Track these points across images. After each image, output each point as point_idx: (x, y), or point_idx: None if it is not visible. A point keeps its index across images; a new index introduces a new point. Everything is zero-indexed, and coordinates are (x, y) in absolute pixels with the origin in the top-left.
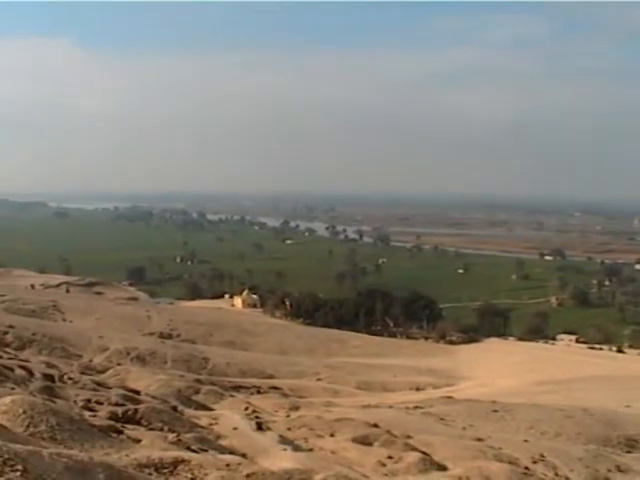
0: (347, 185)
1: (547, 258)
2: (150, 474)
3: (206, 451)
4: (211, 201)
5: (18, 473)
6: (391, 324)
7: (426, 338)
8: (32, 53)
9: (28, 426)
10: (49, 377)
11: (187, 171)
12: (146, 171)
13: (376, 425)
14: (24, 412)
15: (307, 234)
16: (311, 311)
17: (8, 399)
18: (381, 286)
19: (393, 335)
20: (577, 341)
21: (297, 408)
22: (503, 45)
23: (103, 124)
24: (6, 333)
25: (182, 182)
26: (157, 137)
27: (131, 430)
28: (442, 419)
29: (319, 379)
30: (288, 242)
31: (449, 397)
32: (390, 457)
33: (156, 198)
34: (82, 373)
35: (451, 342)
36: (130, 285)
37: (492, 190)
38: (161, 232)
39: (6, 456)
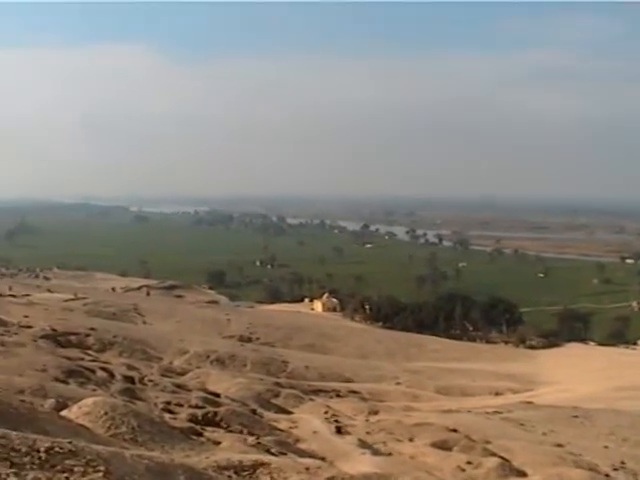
0: (427, 189)
1: (628, 262)
2: (230, 477)
3: (285, 454)
4: (290, 205)
5: (101, 474)
6: (470, 328)
7: (506, 342)
8: (111, 58)
9: (109, 427)
10: (130, 379)
11: (266, 175)
12: (225, 175)
13: (455, 430)
14: (106, 414)
15: (387, 238)
16: (391, 315)
17: (90, 401)
18: (461, 290)
19: (472, 339)
20: None
21: (376, 412)
22: (580, 47)
23: (182, 128)
24: (88, 335)
25: (261, 186)
26: (236, 141)
27: (211, 432)
28: (522, 424)
29: (398, 383)
30: (368, 246)
31: (529, 402)
32: (469, 462)
33: (235, 202)
34: (162, 375)
35: (531, 347)
36: (210, 288)
37: (572, 193)
38: (241, 236)
39: (89, 457)
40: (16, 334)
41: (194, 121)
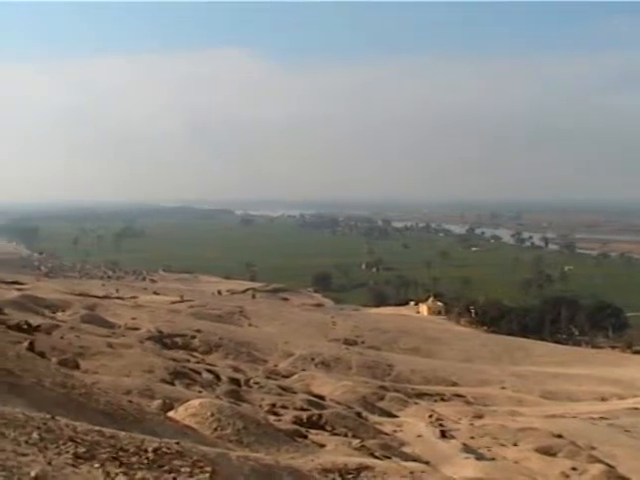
0: (533, 192)
1: None
2: (334, 479)
3: (390, 458)
4: (395, 208)
5: (207, 475)
6: (576, 332)
7: (612, 347)
8: (216, 62)
9: (215, 429)
10: (235, 381)
11: (371, 179)
12: (329, 178)
13: (560, 435)
14: (212, 415)
15: (492, 241)
16: (496, 318)
17: (197, 402)
18: (567, 294)
19: (578, 344)
20: None
21: (481, 416)
22: None
23: (284, 133)
24: (193, 337)
25: (366, 190)
26: (340, 145)
27: (315, 435)
28: (628, 431)
29: (503, 387)
30: (473, 249)
31: (635, 408)
32: (574, 469)
33: (340, 205)
34: (267, 378)
35: (638, 352)
36: (315, 292)
37: None
38: (346, 239)
39: (196, 458)
40: (123, 336)
41: (298, 125)
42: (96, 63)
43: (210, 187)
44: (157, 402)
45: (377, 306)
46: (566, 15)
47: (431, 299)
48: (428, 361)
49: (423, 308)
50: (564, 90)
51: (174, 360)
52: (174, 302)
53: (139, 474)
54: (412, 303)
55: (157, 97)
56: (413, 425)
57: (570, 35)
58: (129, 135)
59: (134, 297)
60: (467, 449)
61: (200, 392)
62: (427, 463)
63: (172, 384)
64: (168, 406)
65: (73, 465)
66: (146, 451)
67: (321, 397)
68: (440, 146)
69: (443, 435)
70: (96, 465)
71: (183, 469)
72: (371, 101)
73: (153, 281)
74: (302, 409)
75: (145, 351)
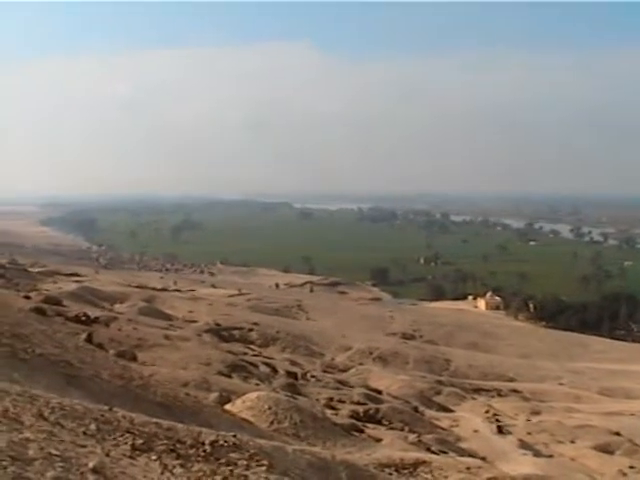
0: (592, 186)
1: None
2: (390, 474)
3: (446, 453)
4: (454, 203)
5: (264, 468)
6: (635, 329)
7: None
8: (272, 56)
9: (272, 422)
10: (292, 375)
11: (428, 173)
12: (389, 173)
13: (618, 433)
14: (269, 408)
15: (551, 236)
16: (554, 314)
17: (254, 395)
18: (626, 290)
19: (637, 340)
20: None
21: (538, 413)
22: None
23: (342, 126)
24: (251, 330)
25: (424, 184)
26: (395, 140)
27: (372, 429)
28: None
29: (561, 384)
30: (532, 244)
31: None
32: (632, 467)
33: (398, 199)
34: (324, 372)
35: None
36: (373, 285)
37: None
38: (404, 233)
39: (252, 451)
40: (181, 328)
41: (353, 119)
42: (154, 57)
43: (270, 181)
44: (214, 395)
45: (435, 300)
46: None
47: (489, 294)
48: (485, 356)
49: (481, 303)
50: (630, 84)
51: (231, 353)
52: (232, 295)
53: (196, 466)
54: (470, 298)
55: (216, 91)
56: (470, 420)
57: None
58: (190, 131)
59: (192, 290)
60: (524, 445)
61: (257, 385)
62: (483, 459)
63: (229, 377)
64: (225, 399)
65: (130, 457)
66: (203, 444)
67: (378, 391)
68: (500, 141)
69: (500, 431)
70: (153, 457)
71: (240, 462)
72: (430, 96)
73: (211, 274)
74: (359, 403)
75: (202, 344)
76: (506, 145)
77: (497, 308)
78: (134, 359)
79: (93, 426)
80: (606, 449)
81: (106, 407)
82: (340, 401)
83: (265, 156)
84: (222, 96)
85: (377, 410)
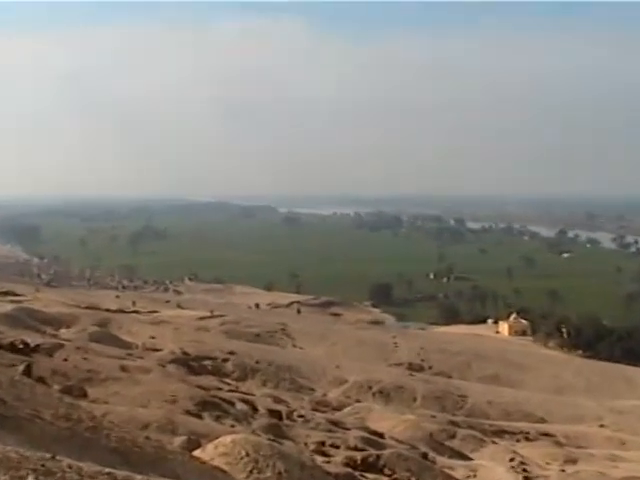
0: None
1: None
2: None
3: None
4: (470, 206)
5: None
6: None
7: None
8: (257, 33)
9: (251, 471)
10: (276, 413)
11: (441, 171)
12: (392, 171)
13: None
14: (247, 455)
15: (589, 246)
16: (593, 341)
17: (229, 439)
18: None
19: None
20: None
21: (574, 461)
22: None
23: (337, 114)
24: (226, 360)
25: (435, 184)
26: (398, 131)
27: None
28: None
29: (602, 425)
30: (565, 256)
31: None
32: None
33: (404, 202)
34: (314, 410)
35: None
36: (373, 306)
37: None
38: (411, 243)
39: None
40: (141, 358)
41: (352, 106)
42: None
43: (250, 180)
44: (181, 439)
45: (448, 324)
46: None
47: (513, 316)
48: (509, 391)
49: (504, 327)
50: None
51: (202, 388)
52: (202, 318)
53: None
54: (490, 321)
55: (186, 69)
56: (491, 470)
57: None
58: (154, 121)
59: (154, 311)
60: None
61: (233, 427)
62: None
63: (199, 417)
64: (194, 443)
65: None
66: None
67: (379, 434)
68: (515, 135)
69: None
70: None
71: None
72: (438, 78)
73: (177, 292)
74: (356, 448)
75: (167, 376)
76: (533, 137)
77: (523, 333)
78: (83, 396)
79: (31, 478)
80: None
81: (48, 455)
82: (333, 446)
83: (243, 149)
84: (191, 75)
85: (378, 457)
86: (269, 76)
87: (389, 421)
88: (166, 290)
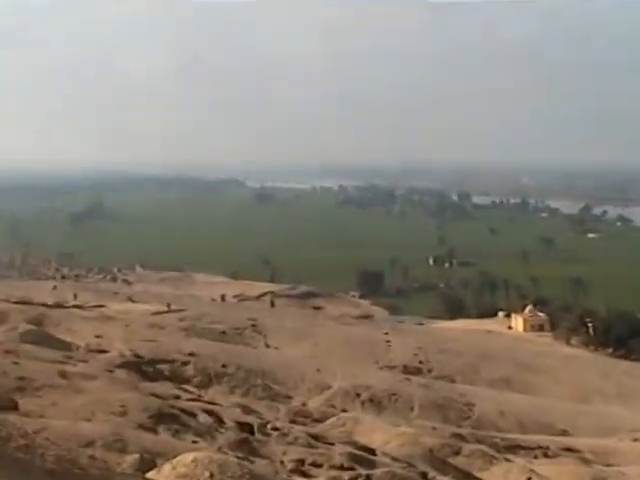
0: None
1: None
2: None
3: None
4: (476, 177)
5: None
6: None
7: None
8: None
9: None
10: (246, 427)
11: (442, 138)
12: (383, 138)
13: None
14: (211, 476)
15: (619, 225)
16: (625, 337)
17: (189, 457)
18: None
19: None
20: None
21: None
22: None
23: (316, 70)
24: (186, 364)
25: (436, 153)
26: (392, 90)
27: None
28: None
29: (636, 439)
30: (591, 236)
31: None
32: None
33: (398, 174)
34: (292, 422)
35: None
36: (361, 297)
37: None
38: (406, 222)
39: None
40: (84, 362)
41: (338, 59)
42: None
43: (214, 149)
44: (132, 458)
45: (451, 319)
46: None
47: (529, 308)
48: (524, 399)
49: (518, 321)
50: None
51: (157, 396)
52: (158, 313)
53: None
54: (502, 314)
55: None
56: None
57: None
58: (89, 76)
59: (99, 306)
60: None
61: (195, 443)
62: None
63: (154, 431)
64: (148, 463)
65: None
66: None
67: (370, 450)
68: (541, 89)
69: None
70: None
71: None
72: (440, 27)
73: (127, 282)
74: (342, 467)
75: (115, 384)
76: (551, 94)
77: (541, 329)
78: (14, 408)
79: None
80: None
81: None
82: (315, 464)
83: (207, 112)
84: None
85: (368, 477)
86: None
87: (381, 434)
88: (114, 280)
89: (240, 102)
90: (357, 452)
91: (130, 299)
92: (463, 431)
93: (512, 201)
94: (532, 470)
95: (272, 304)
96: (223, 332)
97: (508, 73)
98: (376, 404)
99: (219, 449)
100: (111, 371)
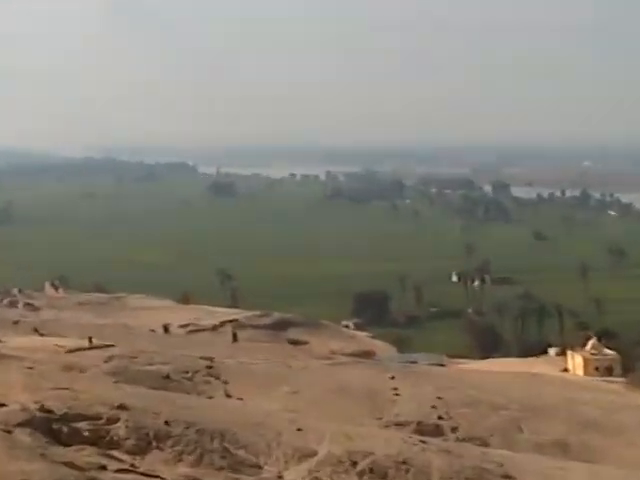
0: None
1: None
2: None
3: None
4: (519, 161)
5: None
6: None
7: None
8: None
9: None
10: None
11: (468, 106)
12: (390, 108)
13: None
14: None
15: None
16: None
17: None
18: None
19: None
20: None
21: None
22: None
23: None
24: (114, 421)
25: (459, 127)
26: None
27: None
28: None
29: None
30: None
31: None
32: None
33: (406, 156)
34: None
35: None
36: (358, 328)
37: None
38: (421, 223)
39: None
40: None
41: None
42: None
43: (151, 123)
44: None
45: (482, 357)
46: None
47: (592, 344)
48: (586, 469)
49: (576, 362)
50: None
51: (74, 467)
52: (75, 350)
53: None
54: (553, 352)
55: None
56: None
57: None
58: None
59: None
60: None
61: None
62: None
63: None
64: None
65: None
66: None
67: None
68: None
69: None
70: None
71: None
72: None
73: (33, 308)
74: None
75: (14, 448)
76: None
77: (608, 372)
78: None
79: None
80: None
81: None
82: None
83: (143, 78)
84: None
85: None
86: None
87: None
88: (13, 305)
89: (187, 65)
90: None
91: (36, 331)
92: None
93: (568, 194)
94: None
95: (234, 337)
96: (166, 376)
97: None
98: (379, 476)
99: None
100: (9, 432)
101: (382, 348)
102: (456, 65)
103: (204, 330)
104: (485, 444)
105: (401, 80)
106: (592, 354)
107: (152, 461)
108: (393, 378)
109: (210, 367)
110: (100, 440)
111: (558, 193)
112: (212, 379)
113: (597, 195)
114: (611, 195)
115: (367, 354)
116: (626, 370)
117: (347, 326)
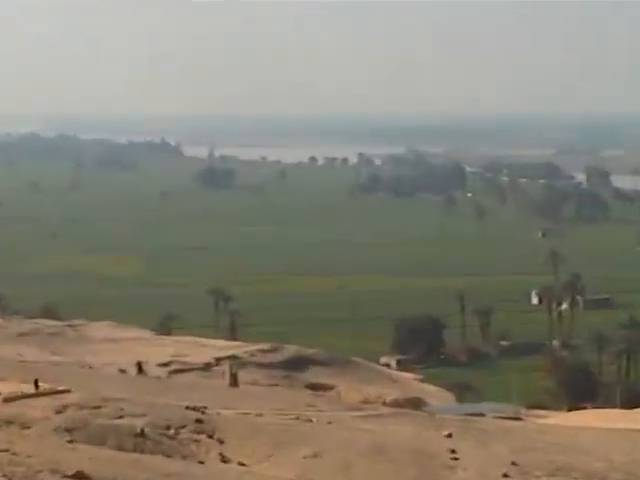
0: None
1: None
2: None
3: None
4: (622, 140)
5: None
6: None
7: None
8: None
9: None
10: None
11: (543, 80)
12: (438, 75)
13: None
14: None
15: None
16: None
17: None
18: None
19: None
20: None
21: None
22: None
23: None
24: None
25: (532, 99)
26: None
27: None
28: None
29: None
30: None
31: None
32: None
33: (467, 133)
34: None
35: None
36: (401, 367)
37: None
38: (487, 222)
39: None
40: None
41: None
42: None
43: (124, 89)
44: None
45: (575, 408)
46: None
47: None
48: None
49: None
50: None
51: None
52: (16, 398)
53: None
54: None
55: None
56: None
57: None
58: None
59: None
60: None
61: None
62: None
63: None
64: None
65: None
66: None
67: None
68: None
69: None
70: None
71: None
72: None
73: None
74: None
75: None
76: None
77: None
78: None
79: None
80: None
81: None
82: None
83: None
84: None
85: None
86: None
87: None
88: None
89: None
90: None
91: None
92: None
93: None
94: None
95: (234, 380)
96: (140, 433)
97: None
98: None
99: None
100: None
101: (435, 395)
102: None
103: (192, 370)
104: None
105: None
106: None
107: None
108: (450, 436)
109: (200, 421)
110: None
111: None
112: (203, 437)
113: None
114: None
115: (414, 403)
116: None
117: (387, 365)
